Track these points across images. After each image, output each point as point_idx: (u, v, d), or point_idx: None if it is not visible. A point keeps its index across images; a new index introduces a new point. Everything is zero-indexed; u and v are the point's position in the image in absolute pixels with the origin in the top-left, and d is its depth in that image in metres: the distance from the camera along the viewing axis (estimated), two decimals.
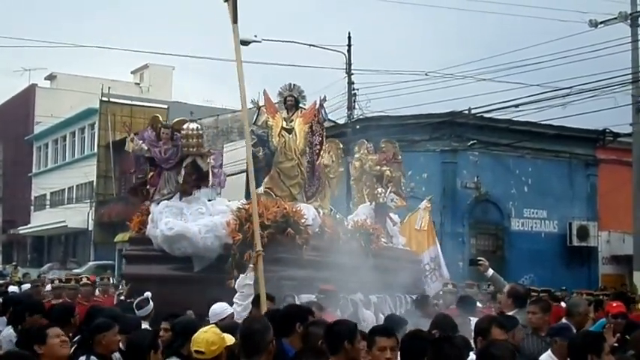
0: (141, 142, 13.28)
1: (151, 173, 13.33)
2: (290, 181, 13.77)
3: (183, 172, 12.99)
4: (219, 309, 8.64)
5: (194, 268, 12.48)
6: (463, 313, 9.79)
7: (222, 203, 13.23)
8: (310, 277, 12.18)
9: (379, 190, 15.09)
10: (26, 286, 18.49)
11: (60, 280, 14.64)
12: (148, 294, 12.16)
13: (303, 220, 12.79)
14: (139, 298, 11.35)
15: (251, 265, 8.72)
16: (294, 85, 14.02)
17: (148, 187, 13.36)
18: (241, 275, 9.09)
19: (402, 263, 14.84)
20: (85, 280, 14.51)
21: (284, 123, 13.72)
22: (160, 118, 13.74)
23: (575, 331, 7.89)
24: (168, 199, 12.99)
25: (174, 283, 12.33)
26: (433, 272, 15.83)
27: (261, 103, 13.83)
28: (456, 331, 7.21)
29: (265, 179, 13.82)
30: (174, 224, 12.38)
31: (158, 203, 12.96)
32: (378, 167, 15.26)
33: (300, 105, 14.04)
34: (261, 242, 12.10)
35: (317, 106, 14.17)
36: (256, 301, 9.21)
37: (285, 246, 12.37)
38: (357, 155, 15.61)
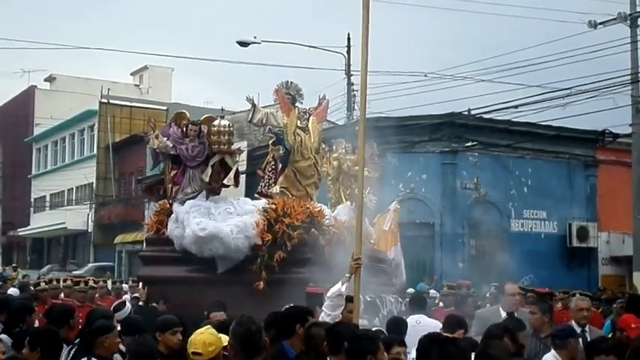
0: (165, 139, 12.70)
1: (174, 171, 12.85)
2: (306, 181, 13.55)
3: (210, 170, 12.55)
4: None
5: (218, 269, 12.09)
6: (411, 313, 9.84)
7: (248, 203, 12.82)
8: (330, 278, 12.10)
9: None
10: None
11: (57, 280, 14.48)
12: (126, 297, 12.14)
13: (325, 221, 12.67)
14: (117, 301, 11.40)
15: (347, 275, 8.41)
16: (291, 82, 13.80)
17: (170, 185, 12.87)
18: (337, 285, 8.81)
19: (380, 264, 14.75)
20: (91, 283, 14.51)
21: (298, 122, 13.51)
22: (188, 115, 13.18)
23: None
24: (191, 198, 12.54)
25: (197, 285, 11.98)
26: (393, 272, 15.74)
27: (262, 103, 13.76)
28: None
29: (280, 179, 13.51)
30: (206, 224, 11.93)
31: (182, 203, 12.51)
32: (357, 167, 15.03)
33: (297, 103, 13.81)
34: (292, 243, 11.96)
35: (326, 105, 14.14)
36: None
37: (310, 247, 12.17)
38: (335, 155, 15.47)
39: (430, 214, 26.71)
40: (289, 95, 13.64)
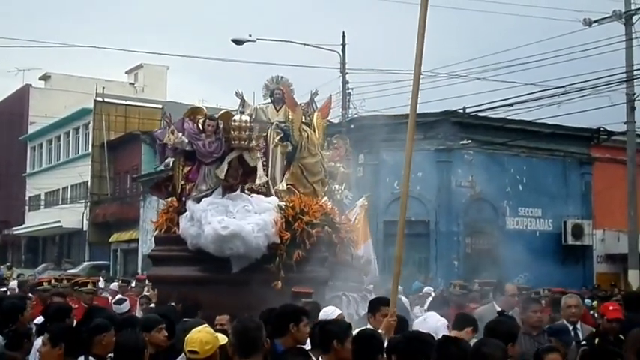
0: (180, 134, 12.19)
1: (187, 168, 12.42)
2: (313, 178, 13.20)
3: (226, 166, 12.14)
4: (327, 313, 8.20)
5: (232, 268, 11.75)
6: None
7: (263, 200, 12.30)
8: (345, 277, 12.08)
9: (336, 186, 14.77)
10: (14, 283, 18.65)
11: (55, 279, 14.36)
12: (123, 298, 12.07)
13: (337, 219, 12.61)
14: (117, 297, 11.31)
15: (381, 331, 8.07)
16: (281, 77, 13.56)
17: (182, 182, 12.43)
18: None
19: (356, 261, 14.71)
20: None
21: (302, 117, 13.22)
22: (205, 110, 12.79)
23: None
24: (206, 195, 12.14)
25: (210, 285, 11.66)
26: (364, 269, 15.60)
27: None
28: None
29: (286, 175, 13.13)
30: (228, 223, 11.57)
31: (197, 201, 12.09)
32: (332, 164, 14.87)
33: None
34: (311, 241, 11.79)
35: (329, 101, 14.07)
36: (375, 307, 8.33)
37: (326, 245, 12.07)
38: None
39: (425, 212, 26.75)
40: (279, 90, 13.37)
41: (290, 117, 13.20)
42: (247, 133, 12.19)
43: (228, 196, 12.21)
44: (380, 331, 7.55)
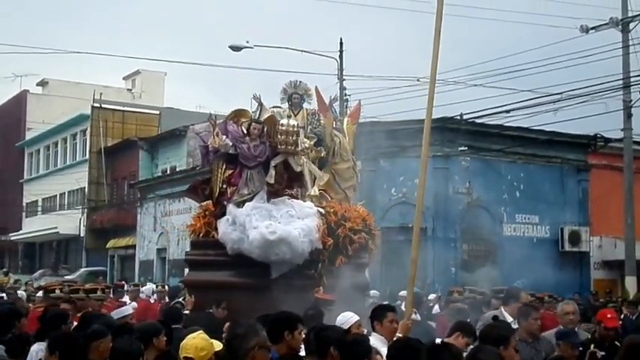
0: (224, 137, 11.95)
1: (229, 171, 12.12)
2: (345, 183, 13.06)
3: (273, 171, 11.97)
4: (345, 318, 8.02)
5: (272, 274, 11.50)
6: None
7: (305, 205, 12.08)
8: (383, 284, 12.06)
9: None
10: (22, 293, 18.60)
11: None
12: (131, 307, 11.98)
13: (373, 224, 12.57)
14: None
15: (399, 334, 7.59)
16: (299, 82, 13.34)
17: (223, 186, 12.09)
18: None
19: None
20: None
21: (334, 123, 13.09)
22: (250, 113, 12.59)
23: None
24: (248, 200, 11.90)
25: (250, 290, 11.44)
26: None
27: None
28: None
29: (317, 181, 12.92)
30: (276, 228, 11.35)
31: (238, 205, 11.85)
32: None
33: (304, 103, 13.30)
34: (353, 248, 11.73)
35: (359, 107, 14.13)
36: (381, 313, 7.97)
37: (364, 251, 12.04)
38: None
39: (422, 218, 26.63)
40: (298, 95, 13.20)
41: (322, 122, 13.04)
42: (294, 138, 12.01)
43: (272, 201, 12.01)
44: (397, 334, 7.58)
